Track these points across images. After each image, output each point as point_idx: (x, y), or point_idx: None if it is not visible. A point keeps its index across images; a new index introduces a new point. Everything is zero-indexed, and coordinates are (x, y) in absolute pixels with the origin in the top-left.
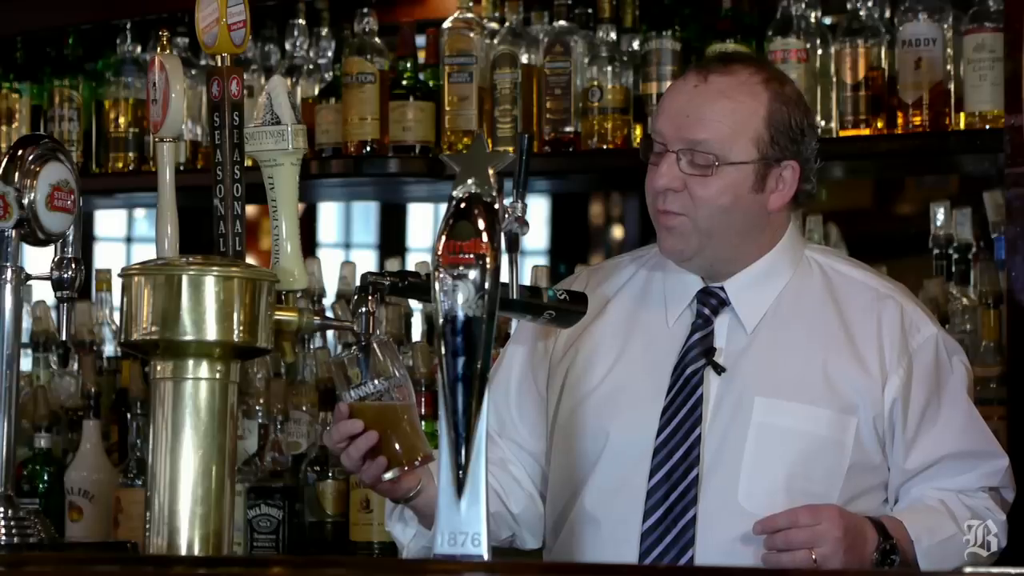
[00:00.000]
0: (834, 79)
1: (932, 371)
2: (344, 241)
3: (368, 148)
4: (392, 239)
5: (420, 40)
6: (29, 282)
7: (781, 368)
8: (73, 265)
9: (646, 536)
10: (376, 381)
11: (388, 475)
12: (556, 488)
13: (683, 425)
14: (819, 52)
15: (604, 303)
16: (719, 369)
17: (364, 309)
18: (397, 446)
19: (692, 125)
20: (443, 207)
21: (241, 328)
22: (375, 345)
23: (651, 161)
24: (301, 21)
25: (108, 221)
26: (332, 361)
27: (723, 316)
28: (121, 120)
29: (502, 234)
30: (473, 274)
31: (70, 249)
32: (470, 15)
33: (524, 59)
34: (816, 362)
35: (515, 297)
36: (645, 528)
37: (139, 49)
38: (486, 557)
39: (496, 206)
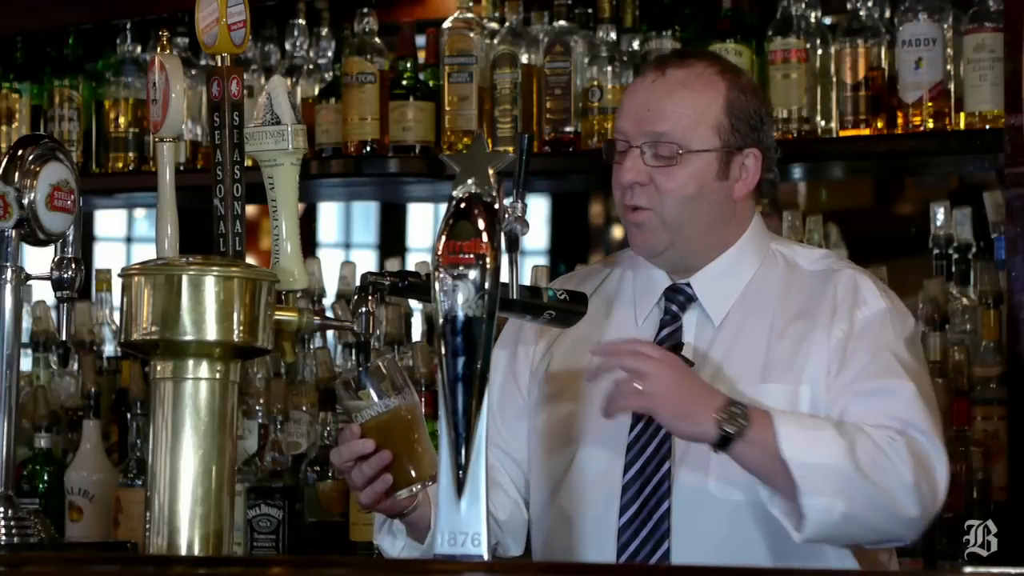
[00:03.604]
0: (834, 79)
1: (865, 333)
2: (344, 241)
3: (368, 148)
4: (392, 239)
5: (420, 40)
6: (29, 282)
7: (746, 358)
8: (73, 265)
9: (623, 531)
10: (385, 400)
11: (403, 493)
12: (536, 490)
13: (653, 421)
14: (819, 52)
15: None
16: (687, 363)
17: (364, 309)
18: (408, 465)
19: (653, 118)
20: (443, 207)
21: (241, 328)
22: (381, 364)
23: (616, 161)
24: (301, 21)
25: (108, 221)
26: (339, 379)
27: (691, 312)
28: (121, 120)
29: (502, 234)
30: (473, 274)
31: (70, 249)
32: (470, 15)
33: (524, 59)
34: (779, 351)
35: (515, 297)
36: (622, 523)
37: (139, 49)
38: (486, 557)
39: (496, 206)
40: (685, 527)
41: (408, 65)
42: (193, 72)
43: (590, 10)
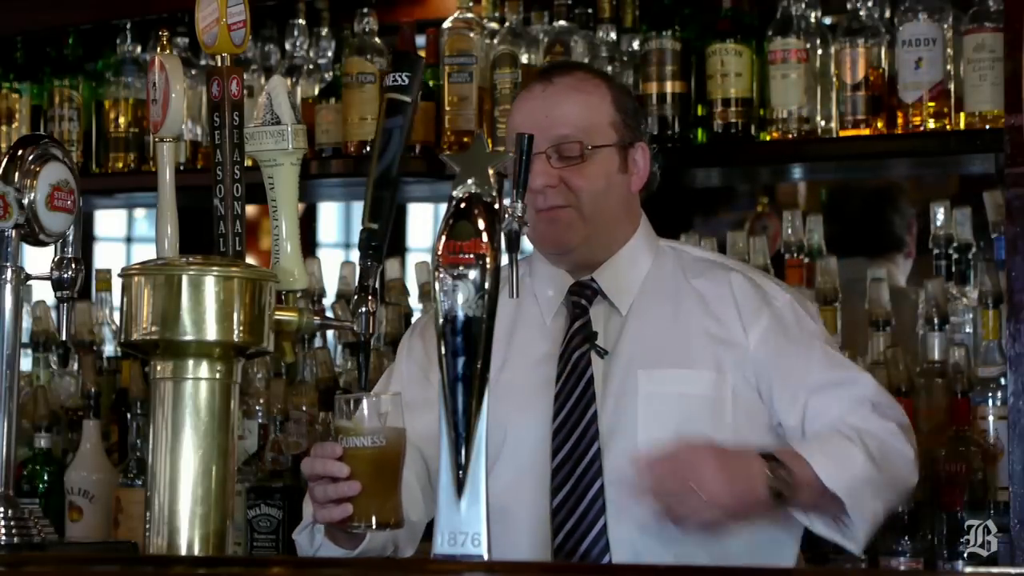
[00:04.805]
0: (834, 79)
1: (786, 328)
2: (344, 241)
3: (368, 148)
4: (392, 239)
5: (420, 40)
6: (29, 282)
7: (656, 342)
8: (73, 265)
9: (557, 512)
10: (375, 436)
11: (356, 528)
12: None
13: (577, 406)
14: (819, 52)
15: None
16: (601, 352)
17: (364, 309)
18: (373, 505)
19: (553, 123)
20: (443, 207)
21: (241, 328)
22: (386, 401)
23: None
24: (301, 21)
25: (108, 221)
26: (341, 394)
27: (597, 305)
28: (121, 120)
29: (502, 234)
30: (473, 274)
31: (70, 249)
32: (470, 15)
33: (524, 59)
34: (685, 332)
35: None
36: (555, 505)
37: (139, 49)
38: (486, 557)
39: (496, 206)
40: (619, 501)
41: None
42: (193, 72)
43: (590, 10)
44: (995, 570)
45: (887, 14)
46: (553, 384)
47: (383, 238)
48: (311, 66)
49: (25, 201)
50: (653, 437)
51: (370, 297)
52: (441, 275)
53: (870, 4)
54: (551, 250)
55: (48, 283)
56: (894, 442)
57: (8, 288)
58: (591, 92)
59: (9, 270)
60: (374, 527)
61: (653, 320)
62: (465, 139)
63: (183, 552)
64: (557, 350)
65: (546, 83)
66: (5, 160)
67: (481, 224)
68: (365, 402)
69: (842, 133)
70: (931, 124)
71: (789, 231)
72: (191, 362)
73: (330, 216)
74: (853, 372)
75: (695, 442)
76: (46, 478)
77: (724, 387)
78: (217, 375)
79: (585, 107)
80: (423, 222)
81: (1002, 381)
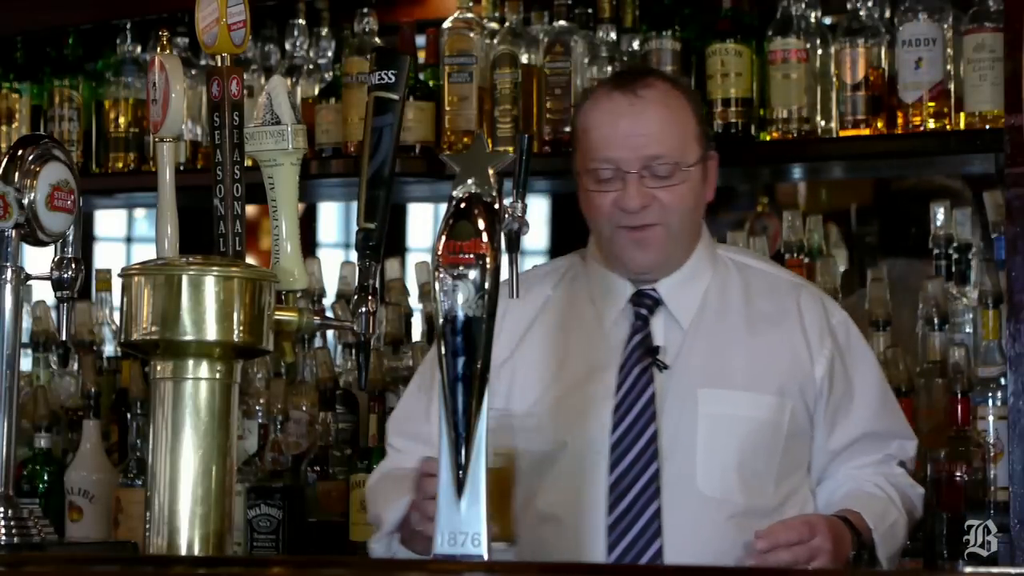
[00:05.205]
0: (834, 79)
1: (848, 353)
2: (344, 241)
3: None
4: (392, 239)
5: (420, 40)
6: (29, 282)
7: (717, 360)
8: (73, 265)
9: (612, 528)
10: (494, 456)
11: None
12: None
13: (637, 422)
14: (819, 52)
15: (533, 316)
16: (662, 366)
17: (364, 309)
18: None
19: (647, 142)
20: (443, 207)
21: (241, 328)
22: (509, 420)
23: (597, 188)
24: (301, 21)
25: (108, 221)
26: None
27: (658, 316)
28: (121, 120)
29: (502, 234)
30: (473, 274)
31: (70, 249)
32: (470, 15)
33: (524, 59)
34: (748, 351)
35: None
36: (611, 521)
37: (139, 49)
38: (486, 557)
39: (496, 206)
40: (676, 523)
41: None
42: (193, 72)
43: (590, 10)
44: (995, 570)
45: (887, 14)
46: (612, 395)
47: (380, 238)
48: (311, 66)
49: (25, 201)
50: (711, 459)
51: (370, 297)
52: (441, 275)
53: (870, 4)
54: (636, 270)
55: (48, 283)
56: (914, 489)
57: (8, 288)
58: (677, 107)
59: (9, 270)
60: (502, 546)
61: (715, 337)
62: (465, 139)
63: (183, 552)
64: (615, 359)
65: (632, 96)
66: (5, 160)
67: (481, 224)
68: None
69: (842, 133)
70: (931, 124)
71: (789, 231)
72: (191, 362)
73: (330, 216)
74: (905, 428)
75: (815, 523)
76: (46, 478)
77: (784, 412)
78: (217, 375)
79: (675, 124)
80: (423, 222)
81: (1002, 381)
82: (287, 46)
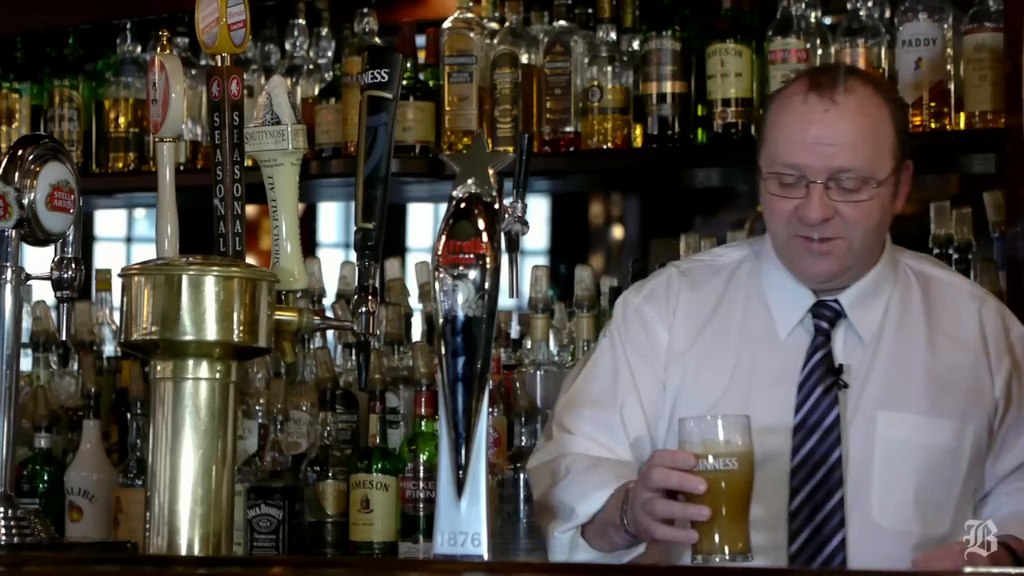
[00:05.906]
0: None
1: (1022, 370)
2: (344, 241)
3: None
4: (392, 239)
5: (420, 40)
6: (29, 282)
7: (899, 381)
8: (73, 265)
9: (794, 559)
10: (729, 459)
11: (704, 560)
12: None
13: (821, 446)
14: (819, 52)
15: (708, 313)
16: (842, 385)
17: (364, 309)
18: (723, 531)
19: (837, 153)
20: (443, 207)
21: (241, 328)
22: (737, 419)
23: (779, 193)
24: (301, 21)
25: (108, 221)
26: (684, 418)
27: (838, 329)
28: (121, 120)
29: (502, 234)
30: (473, 274)
31: (70, 249)
32: (470, 15)
33: (524, 59)
34: (929, 371)
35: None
36: (792, 551)
37: (139, 49)
38: (486, 557)
39: (496, 206)
40: (858, 556)
41: (408, 65)
42: (193, 72)
43: (590, 10)
44: (995, 570)
45: (887, 14)
46: (791, 413)
47: (379, 237)
48: (311, 66)
49: (25, 201)
50: (887, 486)
51: (370, 297)
52: (441, 275)
53: (870, 4)
54: (812, 282)
55: (48, 283)
56: None
57: (8, 288)
58: (875, 117)
59: (9, 270)
60: (727, 557)
61: (897, 355)
62: (465, 139)
63: (183, 552)
64: (794, 373)
65: (828, 102)
66: (5, 160)
67: (481, 224)
68: (720, 421)
69: None
70: (931, 124)
71: None
72: (191, 362)
73: (330, 216)
74: None
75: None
76: (46, 478)
77: (966, 439)
78: (217, 375)
79: (870, 136)
80: (423, 222)
81: None
82: (287, 46)
